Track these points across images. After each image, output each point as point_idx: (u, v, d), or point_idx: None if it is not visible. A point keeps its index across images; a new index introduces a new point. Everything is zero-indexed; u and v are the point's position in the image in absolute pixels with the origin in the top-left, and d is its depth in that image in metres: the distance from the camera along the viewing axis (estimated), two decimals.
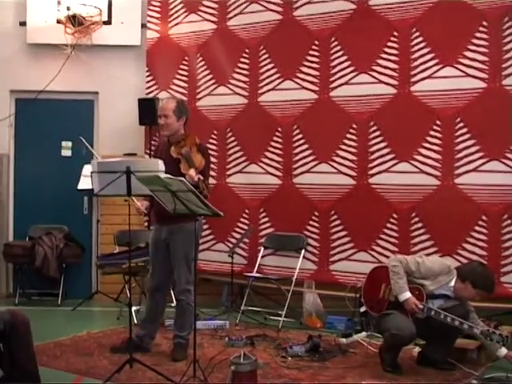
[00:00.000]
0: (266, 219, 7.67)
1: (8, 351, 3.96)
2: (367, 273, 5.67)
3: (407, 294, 5.19)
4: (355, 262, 7.04)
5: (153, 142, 7.96)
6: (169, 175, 4.61)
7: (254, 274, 7.31)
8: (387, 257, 6.46)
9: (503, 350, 5.12)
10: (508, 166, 6.33)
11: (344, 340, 6.02)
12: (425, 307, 5.18)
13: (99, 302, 8.06)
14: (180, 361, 5.41)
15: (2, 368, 3.99)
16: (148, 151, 8.03)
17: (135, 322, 6.46)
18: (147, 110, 8.02)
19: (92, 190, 5.27)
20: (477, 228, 6.46)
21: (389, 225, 6.90)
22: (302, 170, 7.40)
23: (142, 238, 6.86)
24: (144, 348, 5.72)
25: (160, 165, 4.93)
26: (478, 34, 6.46)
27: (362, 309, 5.50)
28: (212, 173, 7.82)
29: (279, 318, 6.86)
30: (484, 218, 6.43)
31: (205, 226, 7.79)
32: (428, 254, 6.28)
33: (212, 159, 7.77)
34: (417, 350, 5.63)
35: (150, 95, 8.29)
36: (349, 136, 7.11)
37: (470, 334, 5.28)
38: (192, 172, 5.25)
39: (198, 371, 4.71)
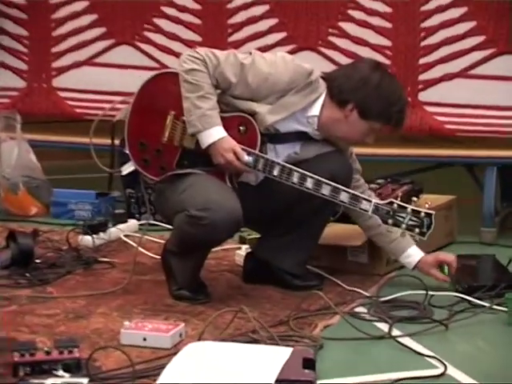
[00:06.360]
0: None
1: None
2: (133, 91, 2.85)
3: (219, 132, 2.67)
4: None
5: None
6: None
7: None
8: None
9: (417, 253, 2.81)
10: None
11: (88, 239, 3.23)
12: (258, 159, 2.70)
13: None
14: None
15: None
16: None
17: None
18: None
19: None
20: None
21: None
22: None
23: None
24: None
25: None
26: None
27: (127, 168, 2.83)
28: None
29: None
30: None
31: None
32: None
33: None
34: (243, 250, 3.19)
35: None
36: None
37: (352, 217, 2.90)
38: None
39: None
